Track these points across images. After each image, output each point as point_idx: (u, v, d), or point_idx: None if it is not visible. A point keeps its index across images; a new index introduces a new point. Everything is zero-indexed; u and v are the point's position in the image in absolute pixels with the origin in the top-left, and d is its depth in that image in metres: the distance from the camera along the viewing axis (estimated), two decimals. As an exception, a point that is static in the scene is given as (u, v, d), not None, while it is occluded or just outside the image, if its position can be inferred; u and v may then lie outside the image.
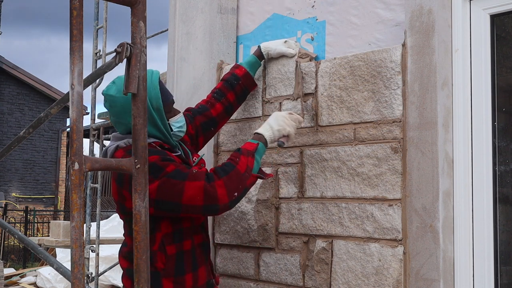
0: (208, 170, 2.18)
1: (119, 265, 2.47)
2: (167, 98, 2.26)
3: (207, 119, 2.59)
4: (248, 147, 2.24)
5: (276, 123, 2.33)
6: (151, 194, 1.99)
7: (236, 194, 2.09)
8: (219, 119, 2.62)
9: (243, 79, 2.61)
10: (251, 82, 2.64)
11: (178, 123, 2.32)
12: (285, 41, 2.69)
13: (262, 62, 2.78)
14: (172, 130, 2.29)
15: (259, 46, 2.69)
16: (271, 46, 2.68)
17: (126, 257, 2.26)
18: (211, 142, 2.96)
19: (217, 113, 2.59)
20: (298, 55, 2.67)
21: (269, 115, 2.45)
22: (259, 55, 2.68)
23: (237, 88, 2.61)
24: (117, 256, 2.37)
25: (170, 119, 2.28)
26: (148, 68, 2.14)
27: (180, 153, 2.30)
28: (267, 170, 2.65)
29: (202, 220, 2.34)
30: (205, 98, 2.68)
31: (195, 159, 2.40)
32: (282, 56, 2.70)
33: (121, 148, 2.20)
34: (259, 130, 2.32)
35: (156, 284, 2.14)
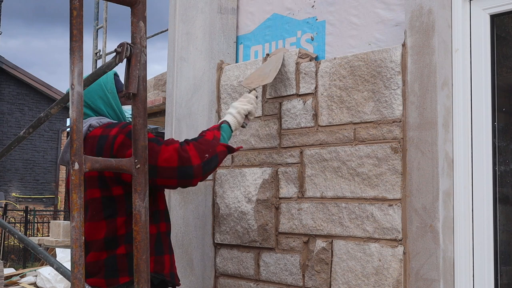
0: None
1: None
2: (119, 87, 2.30)
3: None
4: (211, 127, 2.31)
5: (234, 109, 2.39)
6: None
7: (207, 155, 2.10)
8: None
9: None
10: None
11: (130, 110, 2.29)
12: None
13: (262, 62, 2.78)
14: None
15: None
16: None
17: (104, 246, 2.12)
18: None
19: None
20: (298, 55, 2.67)
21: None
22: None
23: None
24: None
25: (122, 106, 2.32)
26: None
27: None
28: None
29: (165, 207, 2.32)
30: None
31: None
32: (282, 57, 2.71)
33: (95, 128, 2.15)
34: (223, 118, 2.38)
35: None
